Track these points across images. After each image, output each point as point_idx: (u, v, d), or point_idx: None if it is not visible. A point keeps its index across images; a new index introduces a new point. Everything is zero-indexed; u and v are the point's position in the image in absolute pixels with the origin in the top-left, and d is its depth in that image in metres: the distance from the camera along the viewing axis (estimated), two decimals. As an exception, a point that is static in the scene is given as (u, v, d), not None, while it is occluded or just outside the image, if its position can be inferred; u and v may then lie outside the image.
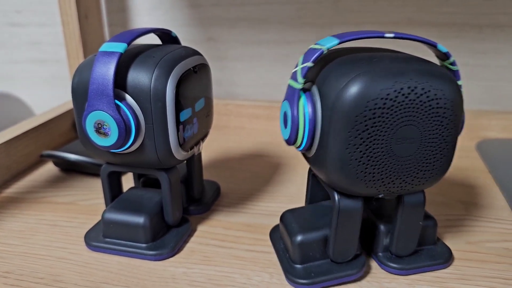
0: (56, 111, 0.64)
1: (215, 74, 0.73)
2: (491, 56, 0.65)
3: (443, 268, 0.37)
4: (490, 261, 0.38)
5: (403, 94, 0.30)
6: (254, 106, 0.70)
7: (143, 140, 0.37)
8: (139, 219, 0.39)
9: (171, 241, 0.41)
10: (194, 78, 0.40)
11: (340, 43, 0.32)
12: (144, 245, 0.40)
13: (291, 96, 0.34)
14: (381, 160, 0.31)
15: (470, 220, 0.45)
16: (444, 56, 0.34)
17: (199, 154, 0.46)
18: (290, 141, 0.35)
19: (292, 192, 0.51)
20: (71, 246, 0.42)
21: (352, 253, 0.36)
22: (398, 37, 0.32)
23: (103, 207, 0.48)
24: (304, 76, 0.33)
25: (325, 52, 0.32)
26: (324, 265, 0.36)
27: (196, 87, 0.40)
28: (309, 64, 0.32)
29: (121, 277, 0.37)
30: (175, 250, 0.40)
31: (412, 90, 0.30)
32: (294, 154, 0.61)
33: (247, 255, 0.40)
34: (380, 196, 0.34)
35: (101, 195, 0.51)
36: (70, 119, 0.65)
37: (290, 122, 0.34)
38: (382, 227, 0.37)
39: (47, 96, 0.81)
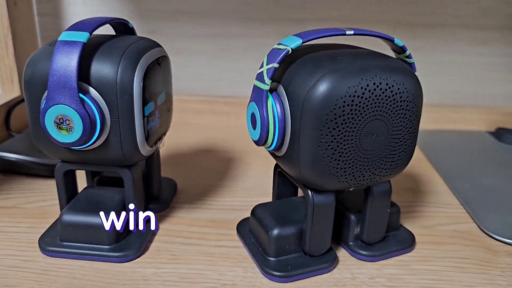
0: (-18, 108, 0.58)
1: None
2: (422, 53, 0.69)
3: (409, 252, 0.39)
4: (444, 243, 0.41)
5: (369, 91, 0.31)
6: (196, 101, 0.69)
7: (108, 135, 0.35)
8: (99, 220, 0.37)
9: (136, 241, 0.39)
10: (158, 70, 0.38)
11: (303, 42, 0.32)
12: (107, 246, 0.38)
13: (259, 97, 0.34)
14: (352, 155, 0.32)
15: (419, 206, 0.48)
16: (400, 50, 0.36)
17: (158, 150, 0.44)
18: (260, 141, 0.35)
19: (249, 186, 0.51)
20: (23, 253, 0.38)
21: (326, 246, 0.37)
22: (357, 33, 0.33)
23: (51, 209, 0.45)
24: (271, 77, 0.33)
25: (289, 52, 0.33)
26: (298, 258, 0.37)
27: (159, 80, 0.39)
28: (275, 65, 0.32)
29: (86, 282, 0.35)
30: (141, 250, 0.38)
31: (378, 86, 0.31)
32: (244, 148, 0.61)
33: (216, 251, 0.39)
34: (350, 189, 0.35)
35: (47, 196, 0.47)
36: (1, 115, 0.59)
37: (260, 123, 0.34)
38: (352, 216, 0.38)
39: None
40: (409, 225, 0.44)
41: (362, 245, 0.38)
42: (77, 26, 0.34)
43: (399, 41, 0.35)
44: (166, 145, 0.61)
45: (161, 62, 0.39)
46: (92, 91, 0.34)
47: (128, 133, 0.35)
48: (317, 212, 0.35)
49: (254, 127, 0.35)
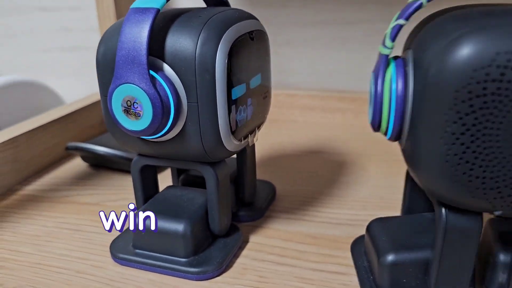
0: (86, 101, 0.57)
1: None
2: None
3: None
4: None
5: None
6: (307, 96, 0.61)
7: (184, 124, 0.28)
8: (178, 226, 0.31)
9: (218, 255, 0.32)
10: (251, 46, 0.31)
11: None
12: (183, 259, 0.31)
13: (378, 66, 0.25)
14: (496, 160, 0.21)
15: None
16: None
17: (253, 147, 0.37)
18: (374, 124, 0.26)
19: (363, 196, 0.41)
20: (94, 257, 0.33)
21: (463, 287, 0.26)
22: None
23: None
24: (394, 38, 0.24)
25: (424, 4, 0.23)
26: (421, 299, 0.27)
27: (252, 58, 0.31)
28: (401, 21, 0.24)
29: (154, 301, 0.29)
30: (223, 266, 0.31)
31: None
32: (361, 151, 0.51)
33: (314, 276, 0.31)
34: (496, 213, 0.24)
35: (130, 194, 0.42)
36: (101, 110, 0.58)
37: (373, 99, 0.25)
38: (501, 256, 0.27)
39: (77, 85, 0.74)
40: None
41: None
42: (153, -9, 0.28)
43: None
44: (267, 145, 0.53)
45: (255, 37, 0.31)
46: (167, 68, 0.28)
47: (209, 122, 0.28)
48: (450, 239, 0.25)
49: (370, 104, 0.26)
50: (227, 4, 0.35)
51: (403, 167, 0.46)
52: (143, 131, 0.28)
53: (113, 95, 0.28)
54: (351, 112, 0.59)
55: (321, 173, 0.46)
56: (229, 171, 0.33)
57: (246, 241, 0.35)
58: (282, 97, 0.62)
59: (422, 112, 0.22)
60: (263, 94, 0.34)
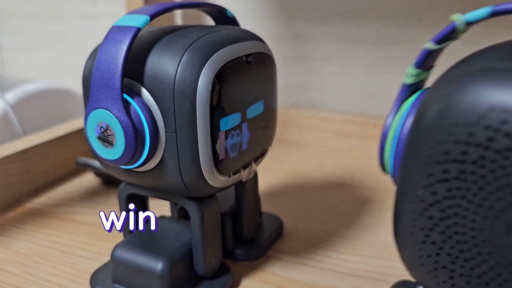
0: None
1: (298, 78, 0.61)
2: None
3: None
4: None
5: None
6: (342, 120, 0.56)
7: (162, 155, 0.26)
8: (156, 265, 0.28)
9: (199, 299, 0.29)
10: (247, 71, 0.28)
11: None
12: (161, 301, 0.28)
13: (397, 95, 0.24)
14: (469, 253, 0.16)
15: None
16: None
17: (253, 179, 0.34)
18: (380, 162, 0.23)
19: (382, 241, 0.36)
20: (75, 285, 0.31)
21: None
22: None
23: (132, 234, 0.38)
24: (419, 65, 0.22)
25: (459, 28, 0.19)
26: None
27: (249, 85, 0.28)
28: (429, 45, 0.21)
29: None
30: (201, 314, 0.28)
31: None
32: (388, 187, 0.46)
33: (303, 337, 0.27)
34: None
35: (136, 217, 0.40)
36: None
37: (381, 133, 0.22)
38: None
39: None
40: None
41: None
42: (139, 9, 0.26)
43: None
44: (289, 172, 0.49)
45: (253, 61, 0.28)
46: (145, 93, 0.25)
47: (188, 154, 0.25)
48: None
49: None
50: (236, 23, 0.32)
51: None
52: (116, 161, 0.25)
53: (88, 119, 0.25)
54: (387, 141, 0.54)
55: (342, 209, 0.41)
56: (218, 207, 0.30)
57: (236, 285, 0.31)
58: (315, 120, 0.57)
59: (402, 163, 0.18)
60: (264, 124, 0.30)
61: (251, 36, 0.29)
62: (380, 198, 0.44)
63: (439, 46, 0.21)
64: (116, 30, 0.25)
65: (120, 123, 0.24)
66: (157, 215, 0.33)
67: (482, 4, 0.26)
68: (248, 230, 0.34)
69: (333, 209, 0.41)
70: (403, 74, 0.55)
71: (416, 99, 0.22)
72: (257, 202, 0.35)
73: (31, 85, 0.57)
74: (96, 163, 0.44)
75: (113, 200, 0.44)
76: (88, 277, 0.32)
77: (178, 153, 0.25)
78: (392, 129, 0.22)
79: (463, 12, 0.20)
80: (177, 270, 0.29)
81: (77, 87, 0.74)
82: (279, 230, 0.37)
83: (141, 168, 0.26)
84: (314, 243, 0.36)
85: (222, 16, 0.32)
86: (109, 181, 0.47)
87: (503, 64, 0.15)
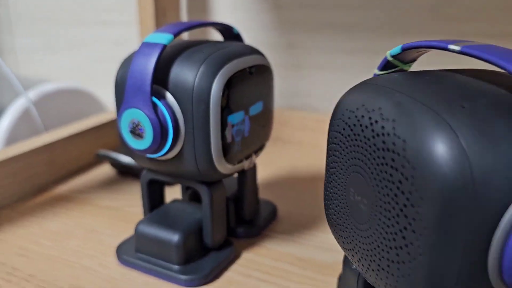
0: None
1: (293, 84, 0.67)
2: None
3: None
4: None
5: (360, 124, 0.21)
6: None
7: (182, 147, 0.32)
8: (173, 236, 0.34)
9: (207, 266, 0.35)
10: (249, 80, 0.34)
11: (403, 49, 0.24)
12: (176, 266, 0.35)
13: None
14: (340, 208, 0.23)
15: None
16: None
17: (253, 169, 0.40)
18: None
19: (361, 224, 0.43)
20: (102, 256, 0.38)
21: None
22: (464, 52, 0.20)
23: (147, 216, 0.44)
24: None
25: (389, 58, 0.25)
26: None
27: (251, 91, 0.34)
28: (376, 71, 0.26)
29: (143, 301, 0.32)
30: (210, 277, 0.34)
31: (371, 124, 0.20)
32: (371, 180, 0.52)
33: (293, 296, 0.33)
34: (353, 267, 0.25)
35: (149, 202, 0.47)
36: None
37: None
38: None
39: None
40: None
41: None
42: (164, 28, 0.32)
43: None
44: (284, 166, 0.56)
45: (254, 71, 0.34)
46: (169, 96, 0.31)
47: (202, 146, 0.31)
48: None
49: None
50: (240, 39, 0.39)
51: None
52: (145, 150, 0.32)
53: (122, 116, 0.32)
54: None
55: (327, 198, 0.48)
56: (225, 191, 0.36)
57: (238, 256, 0.38)
58: (308, 121, 0.64)
59: None
60: (263, 122, 0.37)
61: (253, 51, 0.35)
62: (362, 189, 0.50)
63: (382, 72, 0.26)
64: (146, 46, 0.31)
65: (150, 120, 0.30)
66: (171, 199, 0.40)
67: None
68: (248, 212, 0.41)
69: (320, 199, 0.48)
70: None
71: None
72: (256, 189, 0.41)
73: (50, 85, 0.63)
74: (115, 155, 0.51)
75: (129, 188, 0.50)
76: (112, 250, 0.38)
77: (194, 145, 0.32)
78: None
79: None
80: (190, 242, 0.35)
81: (90, 88, 0.81)
82: (273, 214, 0.43)
83: (164, 157, 0.32)
84: (303, 225, 0.43)
85: (230, 33, 0.38)
86: (124, 171, 0.53)
87: (370, 82, 0.22)
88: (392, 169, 0.19)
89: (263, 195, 0.48)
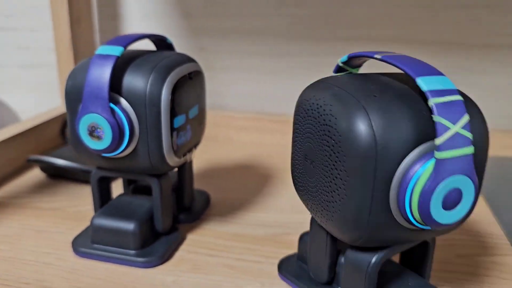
0: (44, 117, 0.63)
1: (206, 84, 0.73)
2: (476, 75, 0.66)
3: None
4: (480, 274, 0.39)
5: (311, 109, 0.29)
6: (243, 118, 0.70)
7: (136, 145, 0.37)
8: (129, 225, 0.39)
9: (160, 248, 0.40)
10: (189, 84, 0.40)
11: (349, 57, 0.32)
12: (133, 251, 0.39)
13: None
14: (300, 172, 0.32)
15: (459, 233, 0.45)
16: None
17: (190, 162, 0.46)
18: None
19: (281, 204, 0.51)
20: (58, 252, 0.41)
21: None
22: (383, 59, 0.28)
23: (90, 214, 0.47)
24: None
25: (340, 64, 0.33)
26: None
27: (190, 94, 0.40)
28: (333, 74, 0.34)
29: (109, 284, 0.36)
30: (164, 257, 0.39)
31: (317, 108, 0.29)
32: (283, 166, 0.61)
33: (237, 264, 0.39)
34: (312, 215, 0.33)
35: (88, 202, 0.50)
36: (59, 124, 0.64)
37: None
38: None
39: (33, 101, 0.80)
40: (445, 252, 0.41)
41: None
42: (113, 41, 0.37)
43: (423, 83, 0.26)
44: (206, 160, 0.62)
45: (193, 77, 0.40)
46: (123, 101, 0.36)
47: (155, 143, 0.36)
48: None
49: None
50: (173, 48, 0.44)
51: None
52: (103, 150, 0.36)
53: (80, 121, 0.35)
54: (279, 133, 0.69)
55: (249, 185, 0.55)
56: (171, 182, 0.41)
57: (183, 238, 0.43)
58: (220, 118, 0.70)
59: None
60: (199, 121, 0.43)
61: (189, 59, 0.41)
62: (274, 174, 0.58)
63: (338, 74, 0.33)
64: (99, 58, 0.35)
65: (109, 123, 0.35)
66: (115, 195, 0.44)
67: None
68: (187, 200, 0.46)
69: (245, 185, 0.55)
70: (290, 80, 0.71)
71: None
72: (192, 179, 0.47)
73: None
74: (49, 159, 0.52)
75: (65, 190, 0.52)
76: (66, 246, 0.42)
77: (148, 143, 0.36)
78: None
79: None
80: (144, 228, 0.40)
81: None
82: (207, 200, 0.49)
83: (119, 155, 0.37)
84: (234, 208, 0.49)
85: (163, 42, 0.43)
86: (53, 174, 0.55)
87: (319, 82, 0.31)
88: (328, 137, 0.27)
89: (195, 185, 0.54)
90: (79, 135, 0.36)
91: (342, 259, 0.33)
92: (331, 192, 0.28)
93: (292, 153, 0.32)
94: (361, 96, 0.27)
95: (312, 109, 0.29)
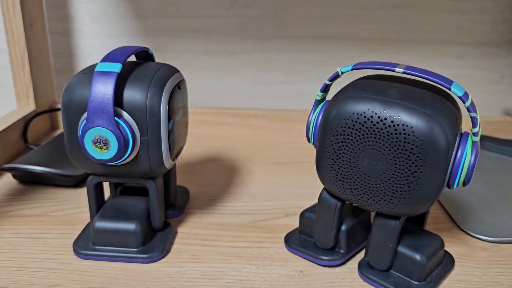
0: (6, 122, 0.62)
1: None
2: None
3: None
4: (428, 240, 0.47)
5: (371, 122, 0.35)
6: (202, 112, 0.74)
7: (138, 152, 0.40)
8: (130, 226, 0.42)
9: (160, 244, 0.44)
10: (178, 93, 0.43)
11: (353, 69, 0.38)
12: (135, 249, 0.43)
13: (313, 106, 0.42)
14: (348, 172, 0.37)
15: (406, 207, 0.54)
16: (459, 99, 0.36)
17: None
18: (307, 138, 0.42)
19: (253, 192, 0.56)
20: (60, 256, 0.43)
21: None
22: (407, 72, 0.35)
23: (77, 216, 0.49)
24: (323, 90, 0.41)
25: (340, 75, 0.39)
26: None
27: (179, 102, 0.44)
28: (327, 82, 0.40)
29: (120, 280, 0.40)
30: (165, 252, 0.43)
31: (381, 120, 0.34)
32: (247, 157, 0.66)
33: (229, 251, 0.45)
34: (354, 204, 0.40)
35: (71, 205, 0.52)
36: (20, 130, 0.64)
37: (308, 124, 0.41)
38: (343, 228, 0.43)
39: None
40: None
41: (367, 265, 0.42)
42: (111, 57, 0.39)
43: (456, 90, 0.34)
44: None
45: (180, 86, 0.44)
46: (125, 114, 0.39)
47: (155, 149, 0.40)
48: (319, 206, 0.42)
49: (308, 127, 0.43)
50: (153, 58, 0.47)
51: (279, 168, 0.62)
52: (109, 160, 0.39)
53: (86, 134, 0.38)
54: (236, 125, 0.74)
55: (220, 177, 0.60)
56: (162, 182, 0.45)
57: (176, 232, 0.47)
58: (178, 113, 0.74)
59: (319, 137, 0.39)
60: (185, 124, 0.47)
61: (175, 70, 0.44)
62: (241, 165, 0.63)
63: (330, 83, 0.40)
64: (100, 74, 0.38)
65: (115, 136, 0.38)
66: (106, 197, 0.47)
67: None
68: (173, 196, 0.50)
69: (216, 178, 0.60)
70: (243, 76, 0.76)
71: (323, 106, 0.40)
72: (176, 177, 0.51)
73: None
74: (23, 166, 0.53)
75: (43, 195, 0.53)
76: (64, 250, 0.44)
77: (148, 150, 0.40)
78: (312, 121, 0.40)
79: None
80: (144, 227, 0.43)
81: None
82: (188, 196, 0.54)
83: (123, 162, 0.40)
84: (212, 200, 0.54)
85: (146, 53, 0.46)
86: (25, 181, 0.56)
87: (354, 94, 0.36)
88: (404, 143, 0.34)
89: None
90: (84, 147, 0.39)
91: (343, 227, 0.42)
92: (408, 183, 0.35)
93: (330, 158, 0.37)
94: (418, 100, 0.35)
95: (371, 121, 0.35)
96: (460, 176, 0.36)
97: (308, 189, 0.57)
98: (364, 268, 0.41)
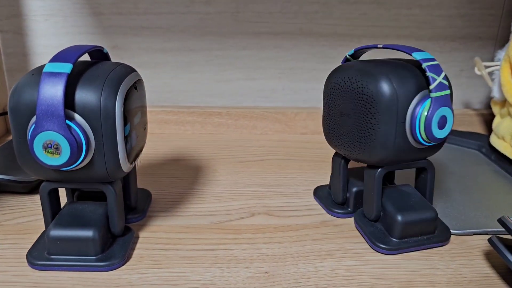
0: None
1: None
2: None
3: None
4: (393, 235, 0.47)
5: (348, 84, 0.44)
6: (162, 112, 0.72)
7: (92, 156, 0.38)
8: (88, 233, 0.40)
9: (120, 250, 0.42)
10: (135, 94, 0.42)
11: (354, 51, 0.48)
12: (94, 257, 0.41)
13: None
14: (334, 125, 0.46)
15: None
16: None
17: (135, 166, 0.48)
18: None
19: (218, 192, 0.55)
20: (12, 268, 0.41)
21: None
22: (385, 47, 0.44)
23: (32, 225, 0.47)
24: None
25: (348, 58, 0.49)
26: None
27: (136, 102, 0.42)
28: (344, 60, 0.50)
29: (78, 291, 0.38)
30: (125, 258, 0.42)
31: (352, 83, 0.43)
32: (210, 156, 0.65)
33: (193, 254, 0.43)
34: (344, 155, 0.47)
35: (26, 213, 0.49)
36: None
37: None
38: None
39: None
40: (362, 221, 0.49)
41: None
42: (60, 57, 0.37)
43: (416, 55, 0.42)
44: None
45: (137, 86, 0.42)
46: (78, 117, 0.37)
47: (111, 153, 0.38)
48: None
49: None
50: (108, 57, 0.45)
51: (243, 166, 0.61)
52: (61, 165, 0.37)
53: (35, 139, 0.36)
54: (199, 124, 0.73)
55: (183, 177, 0.59)
56: (121, 186, 0.43)
57: (137, 237, 0.46)
58: (139, 113, 0.72)
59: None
60: (143, 126, 0.45)
61: (131, 69, 0.42)
62: (204, 165, 0.62)
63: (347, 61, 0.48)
64: (48, 75, 0.36)
65: (67, 140, 0.36)
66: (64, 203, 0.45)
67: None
68: (134, 200, 0.48)
69: (179, 178, 0.58)
70: (203, 74, 0.74)
71: None
72: (136, 180, 0.49)
73: None
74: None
75: (3, 201, 0.51)
76: (20, 260, 0.42)
77: (104, 154, 0.38)
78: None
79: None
80: (102, 234, 0.41)
81: None
82: (149, 198, 0.52)
83: (76, 167, 0.38)
84: (175, 202, 0.53)
85: (99, 53, 0.44)
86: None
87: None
88: (362, 94, 0.42)
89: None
90: (34, 153, 0.37)
91: (353, 189, 0.49)
92: (366, 130, 0.42)
93: (326, 114, 0.47)
94: (379, 67, 0.42)
95: (344, 82, 0.44)
96: (419, 129, 0.41)
97: (273, 187, 0.56)
98: (359, 216, 0.48)
